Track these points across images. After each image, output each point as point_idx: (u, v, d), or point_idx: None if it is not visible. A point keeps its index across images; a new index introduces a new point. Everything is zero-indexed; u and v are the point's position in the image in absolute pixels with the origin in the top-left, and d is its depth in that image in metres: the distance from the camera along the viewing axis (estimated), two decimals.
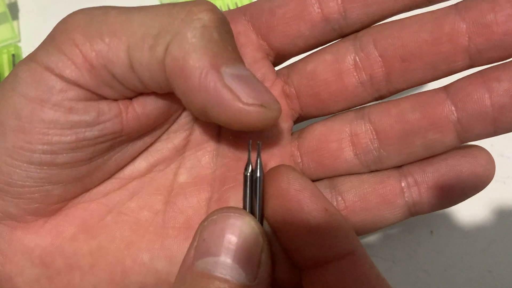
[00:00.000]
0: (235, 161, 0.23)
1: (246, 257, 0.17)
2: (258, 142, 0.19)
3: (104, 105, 0.19)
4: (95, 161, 0.20)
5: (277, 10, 0.21)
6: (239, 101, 0.17)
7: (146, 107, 0.20)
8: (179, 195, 0.22)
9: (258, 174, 0.19)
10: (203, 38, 0.17)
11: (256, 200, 0.19)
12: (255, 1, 0.22)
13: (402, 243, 0.33)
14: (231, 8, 0.42)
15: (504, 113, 0.19)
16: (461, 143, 0.21)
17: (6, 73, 0.40)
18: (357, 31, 0.22)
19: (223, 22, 0.18)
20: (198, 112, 0.19)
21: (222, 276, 0.16)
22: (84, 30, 0.18)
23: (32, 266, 0.20)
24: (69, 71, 0.18)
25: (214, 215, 0.18)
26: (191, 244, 0.18)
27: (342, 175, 0.22)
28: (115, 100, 0.19)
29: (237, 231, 0.17)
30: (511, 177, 0.33)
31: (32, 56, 0.18)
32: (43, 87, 0.18)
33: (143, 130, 0.21)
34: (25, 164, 0.18)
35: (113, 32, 0.18)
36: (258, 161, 0.19)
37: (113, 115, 0.19)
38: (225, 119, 0.18)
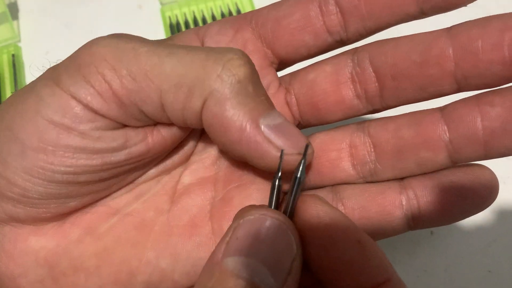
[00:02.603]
0: (239, 163, 0.23)
1: (278, 264, 0.17)
2: (307, 144, 0.19)
3: (130, 132, 0.19)
4: (117, 178, 0.20)
5: (282, 20, 0.22)
6: (278, 152, 0.19)
7: (171, 130, 0.20)
8: (183, 195, 0.23)
9: (298, 175, 0.19)
10: (240, 94, 0.18)
11: (290, 201, 0.19)
12: (260, 9, 0.23)
13: (402, 243, 0.33)
14: (231, 8, 0.42)
15: (495, 138, 0.19)
16: (453, 164, 0.21)
17: (6, 73, 0.40)
18: (357, 41, 0.22)
19: (254, 73, 0.19)
20: (236, 158, 0.20)
21: (251, 278, 0.16)
22: (113, 66, 0.18)
23: (37, 267, 0.20)
24: (99, 105, 0.18)
25: (252, 214, 0.17)
26: (223, 238, 0.17)
27: (338, 184, 0.23)
28: (141, 126, 0.20)
29: (272, 236, 0.17)
30: (511, 177, 0.33)
31: (55, 80, 0.18)
32: (71, 115, 0.18)
33: (168, 150, 0.21)
34: (45, 182, 0.18)
35: (144, 74, 0.18)
36: (302, 162, 0.19)
37: (140, 139, 0.20)
38: (263, 166, 0.19)
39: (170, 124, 0.20)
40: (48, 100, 0.18)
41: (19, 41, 0.42)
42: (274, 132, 0.19)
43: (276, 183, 0.19)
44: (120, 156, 0.19)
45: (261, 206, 0.18)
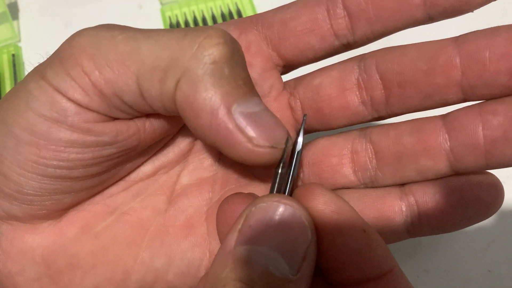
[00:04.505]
0: (237, 164, 0.23)
1: (292, 251, 0.16)
2: (305, 115, 0.20)
3: (121, 125, 0.19)
4: (109, 172, 0.20)
5: (289, 23, 0.22)
6: (250, 142, 0.17)
7: (162, 122, 0.20)
8: (181, 195, 0.23)
9: (298, 149, 0.19)
10: (213, 75, 0.17)
11: (289, 179, 0.19)
12: (266, 12, 0.23)
13: (402, 243, 0.33)
14: (231, 8, 0.42)
15: (496, 147, 0.19)
16: (454, 173, 0.20)
17: (6, 73, 0.40)
18: (364, 45, 0.22)
19: (234, 53, 0.18)
20: (210, 146, 0.19)
21: (265, 266, 0.16)
22: (92, 57, 0.17)
23: (34, 265, 0.20)
24: (80, 97, 0.18)
25: (264, 202, 0.17)
26: (234, 226, 0.17)
27: (338, 189, 0.22)
28: (131, 119, 0.19)
29: (286, 223, 0.16)
30: (511, 177, 0.33)
31: (40, 74, 0.18)
32: (58, 109, 0.18)
33: (158, 139, 0.21)
34: (38, 176, 0.18)
35: (121, 61, 0.17)
36: (301, 133, 0.19)
37: (131, 133, 0.19)
38: (235, 157, 0.18)
39: (158, 114, 0.20)
40: (35, 93, 0.18)
41: (19, 41, 0.42)
42: (248, 120, 0.17)
43: (279, 171, 0.19)
44: (112, 149, 0.19)
45: (273, 194, 0.18)
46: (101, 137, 0.18)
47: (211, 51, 0.17)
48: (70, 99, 0.18)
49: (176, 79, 0.17)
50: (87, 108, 0.18)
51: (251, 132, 0.17)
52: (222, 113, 0.17)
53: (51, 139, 0.18)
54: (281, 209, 0.16)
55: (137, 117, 0.19)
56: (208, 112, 0.17)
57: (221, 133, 0.17)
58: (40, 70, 0.18)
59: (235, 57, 0.18)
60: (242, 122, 0.17)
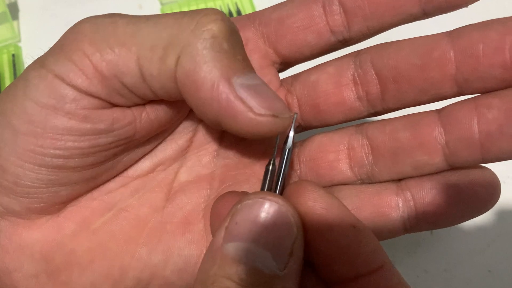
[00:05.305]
0: (235, 162, 0.23)
1: (278, 246, 0.16)
2: (295, 113, 0.20)
3: (118, 113, 0.19)
4: (106, 164, 0.20)
5: (285, 20, 0.22)
6: (251, 111, 0.18)
7: (159, 113, 0.20)
8: (178, 192, 0.23)
9: (288, 146, 0.19)
10: (213, 49, 0.17)
11: (280, 176, 0.19)
12: (264, 10, 0.23)
13: (402, 243, 0.33)
14: (231, 8, 0.42)
15: (491, 141, 0.19)
16: (450, 167, 0.20)
17: (6, 73, 0.40)
18: (360, 41, 0.22)
19: (232, 31, 0.18)
20: (211, 122, 0.19)
21: (252, 263, 0.16)
22: (93, 40, 0.18)
23: (32, 261, 0.20)
24: (80, 81, 0.18)
25: (250, 199, 0.17)
26: (222, 223, 0.17)
27: (335, 185, 0.23)
28: (128, 107, 0.19)
29: (271, 219, 0.17)
30: (511, 177, 0.33)
31: (41, 62, 0.18)
32: (56, 95, 0.18)
33: (154, 133, 0.21)
34: (35, 167, 0.18)
35: (122, 43, 0.18)
36: (291, 132, 0.19)
37: (127, 122, 0.19)
38: (237, 129, 0.18)
39: (157, 102, 0.20)
40: (34, 81, 0.18)
41: (19, 41, 0.42)
42: (248, 91, 0.18)
43: (270, 168, 0.19)
44: (108, 138, 0.19)
45: (260, 191, 0.18)
46: (98, 125, 0.18)
47: (209, 27, 0.17)
48: (70, 84, 0.18)
49: (176, 56, 0.17)
50: (85, 92, 0.18)
51: (252, 102, 0.18)
52: (222, 84, 0.17)
53: (48, 126, 0.18)
54: (266, 205, 0.17)
55: (135, 105, 0.19)
56: (208, 84, 0.17)
57: (222, 104, 0.17)
58: (41, 60, 0.18)
59: (233, 35, 0.18)
60: (243, 93, 0.18)
